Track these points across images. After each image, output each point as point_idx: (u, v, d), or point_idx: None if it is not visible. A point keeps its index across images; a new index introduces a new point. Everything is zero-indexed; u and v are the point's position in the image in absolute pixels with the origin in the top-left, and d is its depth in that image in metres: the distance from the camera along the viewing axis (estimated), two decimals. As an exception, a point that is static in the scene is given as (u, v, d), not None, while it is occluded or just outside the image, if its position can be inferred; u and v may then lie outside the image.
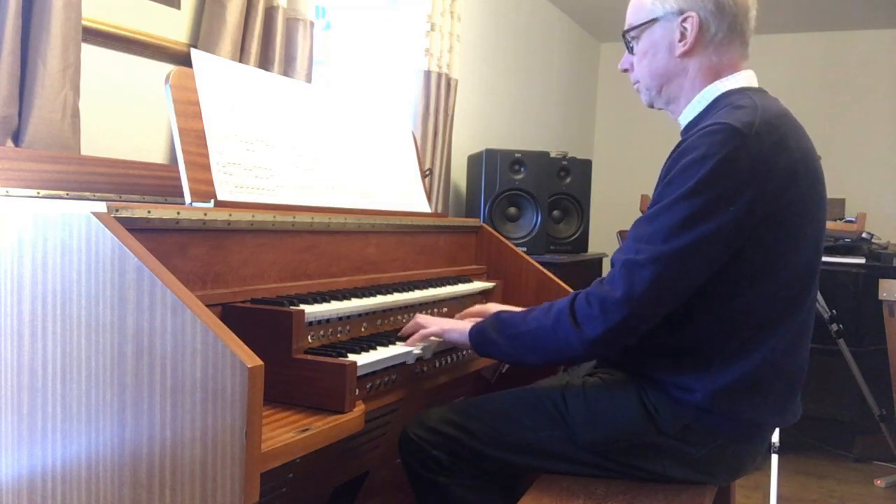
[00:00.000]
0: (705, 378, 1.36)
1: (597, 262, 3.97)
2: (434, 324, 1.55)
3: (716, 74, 1.45)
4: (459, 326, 1.53)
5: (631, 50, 1.53)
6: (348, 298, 1.51)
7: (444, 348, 1.61)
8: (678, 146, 1.35)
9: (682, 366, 1.39)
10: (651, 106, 1.57)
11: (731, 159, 1.26)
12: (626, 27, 1.52)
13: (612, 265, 1.36)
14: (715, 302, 1.35)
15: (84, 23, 1.78)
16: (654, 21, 1.46)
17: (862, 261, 3.41)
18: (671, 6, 1.44)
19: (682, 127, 1.49)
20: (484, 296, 2.08)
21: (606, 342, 1.32)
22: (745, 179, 1.27)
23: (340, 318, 1.48)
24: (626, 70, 1.57)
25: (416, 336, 1.54)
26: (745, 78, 1.45)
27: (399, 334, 1.56)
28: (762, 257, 1.33)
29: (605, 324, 1.30)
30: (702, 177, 1.27)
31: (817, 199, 1.41)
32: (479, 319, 1.54)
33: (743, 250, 1.31)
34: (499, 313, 1.49)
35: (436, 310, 1.81)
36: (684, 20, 1.43)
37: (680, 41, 1.44)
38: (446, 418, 1.53)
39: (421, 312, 1.74)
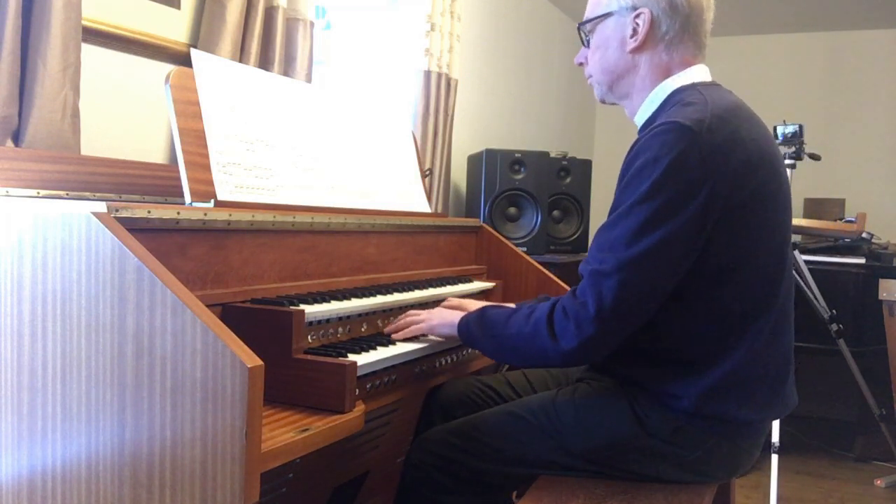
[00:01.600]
0: (688, 384, 1.36)
1: (597, 262, 3.96)
2: (424, 318, 1.57)
3: (666, 72, 1.45)
4: (448, 319, 1.54)
5: (587, 44, 1.53)
6: (348, 298, 1.52)
7: (445, 348, 1.61)
8: (632, 147, 1.35)
9: (665, 373, 1.39)
10: (603, 101, 1.57)
11: (683, 158, 1.26)
12: (582, 20, 1.53)
13: (581, 276, 1.36)
14: (689, 304, 1.35)
15: (84, 23, 1.78)
16: (608, 15, 1.47)
17: (862, 261, 3.41)
18: (625, 2, 1.45)
19: (638, 127, 1.49)
20: (484, 295, 2.08)
21: (583, 355, 1.34)
22: (700, 176, 1.27)
23: (340, 318, 1.48)
24: (581, 64, 1.57)
25: (406, 331, 1.55)
26: (696, 73, 1.45)
27: (385, 330, 1.57)
28: (729, 252, 1.33)
29: (579, 338, 1.30)
30: (656, 178, 1.27)
31: (777, 187, 1.39)
32: (464, 312, 1.54)
33: (708, 248, 1.31)
34: (485, 309, 1.50)
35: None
36: (637, 16, 1.43)
37: (631, 37, 1.45)
38: (445, 440, 1.53)
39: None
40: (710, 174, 1.27)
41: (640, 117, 1.49)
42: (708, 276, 1.33)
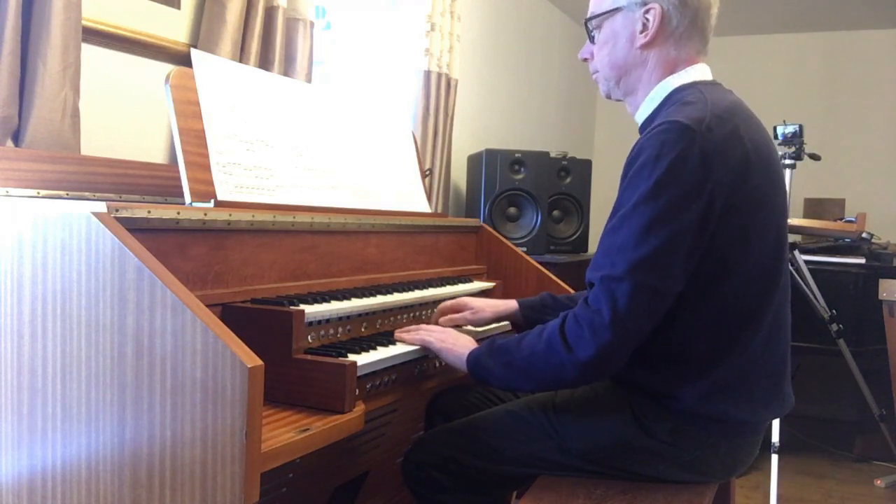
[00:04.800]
0: (687, 385, 1.36)
1: (597, 262, 3.96)
2: (435, 337, 1.52)
3: (672, 68, 1.44)
4: (458, 350, 1.48)
5: (592, 39, 1.52)
6: (348, 298, 1.51)
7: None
8: (634, 147, 1.34)
9: (664, 375, 1.38)
10: (608, 97, 1.55)
11: (684, 157, 1.26)
12: (588, 15, 1.52)
13: (590, 284, 1.33)
14: (686, 305, 1.34)
15: (84, 23, 1.78)
16: (616, 10, 1.46)
17: (862, 261, 3.41)
18: None
19: (639, 125, 1.49)
20: (484, 296, 2.08)
21: (601, 363, 1.30)
22: (701, 175, 1.27)
23: (340, 318, 1.48)
24: (585, 60, 1.55)
25: (414, 337, 1.52)
26: (697, 72, 1.45)
27: (396, 335, 1.55)
28: (725, 253, 1.32)
29: (596, 345, 1.28)
30: (658, 177, 1.26)
31: (774, 188, 1.39)
32: (473, 345, 1.48)
33: (706, 248, 1.30)
34: (494, 339, 1.47)
35: (436, 310, 1.81)
36: (647, 11, 1.42)
37: (641, 32, 1.43)
38: (443, 440, 1.53)
39: (421, 312, 1.75)
40: (711, 172, 1.27)
41: (641, 115, 1.48)
42: (704, 277, 1.33)
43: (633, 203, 1.28)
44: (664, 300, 1.30)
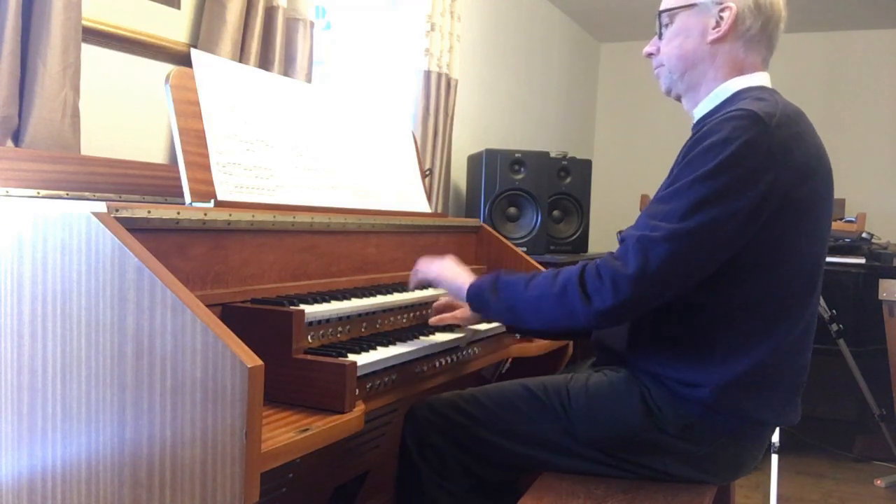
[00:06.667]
0: (711, 372, 1.37)
1: (597, 262, 3.97)
2: (432, 271, 1.58)
3: (739, 70, 1.47)
4: (458, 280, 1.54)
5: (661, 34, 1.53)
6: (348, 298, 1.52)
7: (445, 348, 1.60)
8: (697, 131, 1.36)
9: (688, 360, 1.39)
10: (668, 93, 1.57)
11: (752, 144, 1.28)
12: (662, 7, 1.53)
13: (623, 241, 1.35)
14: (720, 291, 1.36)
15: (84, 23, 1.78)
16: (692, 5, 1.48)
17: (862, 261, 3.41)
18: None
19: (696, 119, 1.50)
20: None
21: (614, 316, 1.33)
22: (765, 166, 1.29)
23: (340, 318, 1.48)
24: (650, 55, 1.57)
25: (414, 280, 1.61)
26: (761, 78, 1.48)
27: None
28: (769, 248, 1.34)
29: (615, 298, 1.29)
30: (723, 159, 1.28)
31: (827, 197, 1.43)
32: (473, 277, 1.54)
33: (754, 240, 1.32)
34: (499, 274, 1.49)
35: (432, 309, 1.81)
36: (722, 10, 1.45)
37: (714, 28, 1.46)
38: (453, 403, 1.54)
39: (421, 312, 1.74)
40: (774, 166, 1.30)
41: (701, 109, 1.50)
42: (747, 268, 1.35)
43: (691, 179, 1.30)
44: (693, 274, 1.32)
